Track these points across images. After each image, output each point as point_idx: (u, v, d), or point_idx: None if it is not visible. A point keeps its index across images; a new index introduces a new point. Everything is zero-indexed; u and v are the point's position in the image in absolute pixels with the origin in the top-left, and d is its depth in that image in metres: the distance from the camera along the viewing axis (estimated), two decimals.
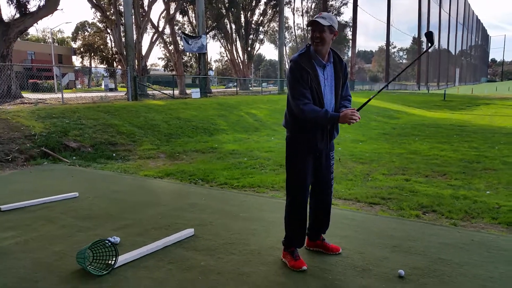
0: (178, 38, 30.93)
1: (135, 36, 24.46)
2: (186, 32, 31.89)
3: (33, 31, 66.46)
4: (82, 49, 59.74)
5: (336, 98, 2.88)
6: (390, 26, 43.27)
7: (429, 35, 2.87)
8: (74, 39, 62.40)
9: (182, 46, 19.55)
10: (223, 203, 4.62)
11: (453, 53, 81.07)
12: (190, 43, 16.82)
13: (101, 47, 56.79)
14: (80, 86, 54.99)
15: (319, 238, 3.24)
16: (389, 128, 13.11)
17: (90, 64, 60.96)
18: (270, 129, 11.66)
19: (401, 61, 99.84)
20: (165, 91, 19.01)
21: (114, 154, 7.76)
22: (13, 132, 7.49)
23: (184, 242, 3.44)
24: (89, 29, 60.80)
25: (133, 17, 24.15)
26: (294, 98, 2.76)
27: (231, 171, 6.43)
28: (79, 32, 61.31)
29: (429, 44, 2.93)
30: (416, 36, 59.36)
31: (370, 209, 4.56)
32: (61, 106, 10.55)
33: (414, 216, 4.23)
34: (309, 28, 2.87)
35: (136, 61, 23.58)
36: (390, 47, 55.78)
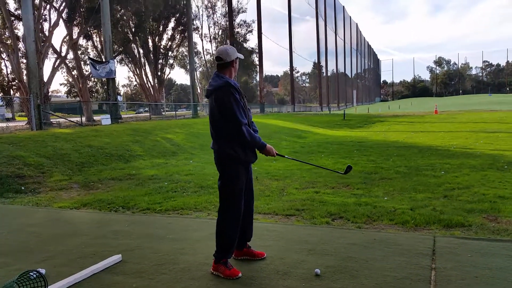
0: (82, 63, 29.74)
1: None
2: (91, 56, 30.74)
3: None
4: None
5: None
6: (293, 52, 46.06)
7: (348, 169, 3.86)
8: None
9: (88, 71, 18.89)
10: (148, 228, 4.70)
11: (350, 76, 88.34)
12: (97, 68, 16.37)
13: None
14: None
15: (246, 246, 3.54)
16: (298, 146, 13.99)
17: None
18: (187, 152, 11.79)
19: (304, 84, 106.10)
20: (71, 119, 18.12)
21: (23, 187, 7.33)
22: None
23: (113, 268, 3.49)
24: None
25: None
26: (235, 119, 3.09)
27: (153, 196, 6.48)
28: None
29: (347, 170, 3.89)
30: (316, 61, 63.73)
31: (287, 220, 4.97)
32: None
33: (324, 223, 4.72)
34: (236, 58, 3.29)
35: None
36: (294, 72, 59.06)
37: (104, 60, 17.54)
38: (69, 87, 49.12)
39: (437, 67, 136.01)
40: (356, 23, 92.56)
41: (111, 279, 3.25)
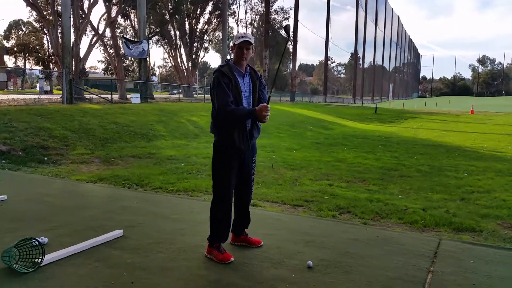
0: (119, 42, 30.33)
1: (73, 38, 23.72)
2: (128, 36, 31.31)
3: None
4: (15, 49, 56.36)
5: (253, 102, 3.25)
6: (329, 42, 45.26)
7: (287, 29, 3.36)
8: (7, 37, 58.77)
9: (123, 50, 19.27)
10: (155, 206, 4.78)
11: (388, 69, 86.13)
12: (130, 47, 16.66)
13: (37, 47, 53.94)
14: (12, 88, 51.83)
15: (243, 233, 3.55)
16: (322, 138, 13.83)
17: (25, 65, 57.70)
18: (210, 136, 11.86)
19: (339, 75, 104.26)
20: (103, 95, 18.59)
21: (45, 158, 7.60)
22: None
23: (113, 242, 3.57)
24: (24, 28, 57.62)
25: (72, 18, 23.44)
26: (219, 102, 3.08)
27: (167, 176, 6.58)
28: (13, 31, 57.86)
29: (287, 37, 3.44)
30: (353, 52, 62.43)
31: (294, 210, 4.94)
32: None
33: (331, 216, 4.66)
34: (236, 44, 3.17)
35: (73, 63, 22.85)
36: (329, 62, 58.18)
37: (138, 39, 17.81)
38: (106, 65, 50.33)
39: (480, 66, 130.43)
40: (398, 16, 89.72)
41: (109, 253, 3.33)
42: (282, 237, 3.78)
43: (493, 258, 3.39)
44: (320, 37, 46.66)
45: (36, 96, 15.49)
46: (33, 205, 4.64)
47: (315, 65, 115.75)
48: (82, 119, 10.30)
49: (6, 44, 57.63)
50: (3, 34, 59.59)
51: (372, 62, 71.35)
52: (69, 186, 5.78)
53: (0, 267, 2.97)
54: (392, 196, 5.70)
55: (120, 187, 5.83)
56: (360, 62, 64.82)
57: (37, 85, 50.73)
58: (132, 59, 41.04)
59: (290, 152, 9.65)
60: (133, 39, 19.86)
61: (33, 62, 54.82)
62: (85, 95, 19.13)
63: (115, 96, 24.72)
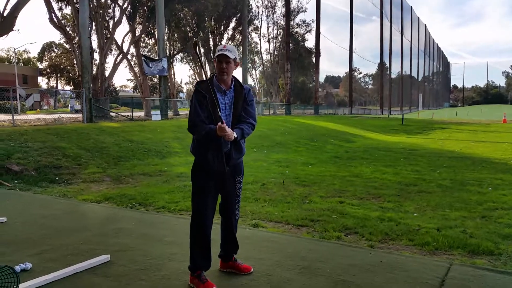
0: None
1: (97, 57, 24.38)
2: (153, 55, 31.95)
3: None
4: (48, 70, 58.69)
5: (232, 120, 3.03)
6: (353, 53, 44.78)
7: (194, 44, 3.25)
8: (40, 59, 61.32)
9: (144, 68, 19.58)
10: (152, 228, 4.62)
11: (417, 79, 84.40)
12: (150, 65, 16.91)
13: (68, 68, 56.02)
14: (47, 107, 53.79)
15: (231, 259, 3.32)
16: (342, 151, 13.45)
17: (57, 85, 59.90)
18: None
19: (366, 86, 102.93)
20: (123, 113, 18.89)
21: (57, 178, 7.63)
22: None
23: (97, 268, 3.42)
24: (55, 50, 59.97)
25: (96, 38, 24.13)
26: (188, 121, 2.98)
27: (173, 195, 6.44)
28: (46, 53, 60.34)
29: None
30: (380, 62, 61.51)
31: (297, 231, 4.67)
32: (9, 128, 10.31)
33: (335, 238, 4.36)
34: (215, 58, 3.02)
35: (98, 82, 23.42)
36: (356, 73, 57.50)
37: (158, 57, 18.07)
38: (135, 83, 51.51)
39: None
40: (425, 24, 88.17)
41: (89, 280, 3.18)
42: (275, 263, 3.53)
43: (508, 286, 3.03)
44: (344, 48, 46.23)
45: (56, 116, 15.82)
46: (29, 227, 4.58)
47: (341, 76, 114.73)
48: (97, 137, 10.38)
49: (40, 66, 60.04)
50: (37, 56, 62.14)
51: (400, 72, 70.08)
52: (72, 206, 5.71)
53: None
54: (406, 214, 5.34)
55: (123, 207, 5.72)
56: (388, 72, 63.78)
57: (69, 104, 52.40)
58: (157, 76, 41.85)
59: (305, 167, 9.37)
60: (153, 57, 20.20)
61: (65, 82, 56.87)
62: (111, 113, 19.50)
63: (141, 114, 25.12)
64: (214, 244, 3.26)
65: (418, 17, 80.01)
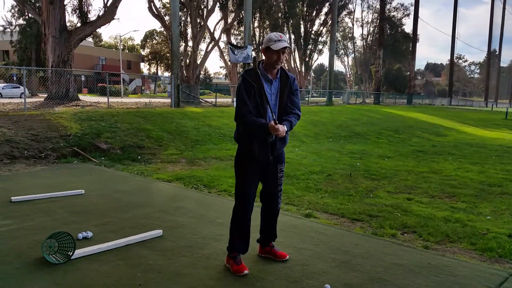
0: None
1: (190, 45, 25.63)
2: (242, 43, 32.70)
3: (106, 37, 71.48)
4: (149, 56, 63.18)
5: (279, 110, 3.03)
6: (456, 39, 41.21)
7: (254, 60, 3.07)
8: (143, 46, 66.17)
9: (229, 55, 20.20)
10: (208, 209, 4.84)
11: None
12: (236, 53, 17.35)
13: (167, 54, 59.68)
14: (148, 92, 58.15)
15: (269, 245, 3.38)
16: (428, 145, 12.59)
17: (157, 71, 64.30)
18: (298, 140, 11.71)
19: (472, 75, 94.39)
20: (208, 99, 19.69)
21: (139, 157, 8.29)
22: (51, 132, 8.27)
23: (147, 242, 3.70)
24: (156, 37, 64.21)
25: (190, 27, 25.35)
26: (236, 112, 2.97)
27: None
28: (148, 40, 64.93)
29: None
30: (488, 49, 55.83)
31: (351, 225, 4.54)
32: (103, 110, 11.40)
33: (389, 235, 4.16)
34: (271, 48, 2.90)
35: (190, 69, 24.67)
36: (460, 61, 52.98)
37: (244, 45, 18.49)
38: (226, 71, 53.36)
39: None
40: None
41: (137, 252, 3.45)
42: (315, 254, 3.49)
43: None
44: (446, 34, 42.80)
45: (147, 100, 17.04)
46: (102, 200, 5.07)
47: (444, 64, 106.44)
48: (180, 122, 11.01)
49: (142, 53, 64.88)
50: (140, 43, 67.19)
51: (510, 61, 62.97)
52: (145, 184, 6.19)
53: (32, 258, 3.27)
54: (478, 217, 4.89)
55: (188, 188, 6.05)
56: (500, 60, 57.76)
57: (168, 89, 56.09)
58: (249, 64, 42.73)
59: (380, 160, 8.97)
60: (239, 45, 20.72)
61: (164, 68, 60.81)
62: (200, 99, 20.53)
63: (229, 100, 25.97)
64: (254, 230, 3.33)
65: None
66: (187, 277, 3.02)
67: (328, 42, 49.74)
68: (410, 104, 34.02)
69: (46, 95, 15.87)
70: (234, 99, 17.97)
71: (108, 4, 15.84)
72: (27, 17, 30.94)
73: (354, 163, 8.37)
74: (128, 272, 3.07)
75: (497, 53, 59.94)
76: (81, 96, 17.11)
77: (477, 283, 3.00)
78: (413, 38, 36.86)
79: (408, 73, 43.34)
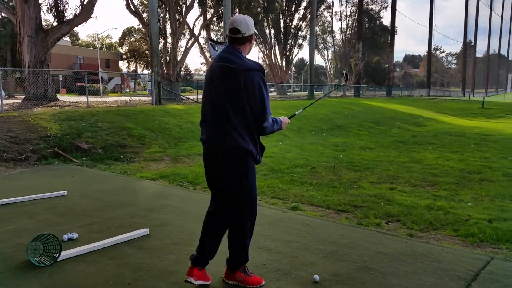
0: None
1: (170, 42, 25.37)
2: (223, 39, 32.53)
3: (84, 36, 70.14)
4: (128, 54, 62.32)
5: None
6: (433, 30, 41.88)
7: (346, 75, 3.03)
8: (121, 44, 65.21)
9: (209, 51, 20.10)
10: (195, 206, 4.82)
11: (507, 57, 77.07)
12: (216, 49, 17.28)
13: (146, 52, 58.99)
14: (127, 90, 57.36)
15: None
16: (408, 136, 12.81)
17: (136, 69, 63.52)
18: (282, 134, 11.74)
19: (449, 66, 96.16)
20: (189, 96, 19.54)
21: (121, 156, 8.19)
22: (31, 133, 8.10)
23: (134, 241, 3.67)
24: (135, 35, 63.37)
25: (169, 23, 25.08)
26: (266, 111, 2.60)
27: None
28: (126, 38, 64.01)
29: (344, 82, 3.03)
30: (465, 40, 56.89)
31: (336, 216, 4.60)
32: (83, 109, 11.21)
33: (374, 225, 4.23)
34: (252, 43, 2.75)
35: (170, 66, 24.44)
36: (437, 52, 53.82)
37: (224, 40, 18.40)
38: (207, 67, 53.01)
39: None
40: None
41: (125, 252, 3.42)
42: (302, 246, 3.53)
43: None
44: (423, 26, 43.43)
45: (128, 98, 16.83)
46: (85, 201, 5.00)
47: (422, 55, 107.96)
48: (162, 119, 10.92)
49: (121, 51, 63.93)
50: (118, 41, 66.19)
51: (487, 51, 64.46)
52: (128, 183, 6.13)
53: (25, 259, 3.21)
54: (459, 204, 5.01)
55: (173, 185, 6.02)
56: (473, 51, 58.95)
57: (147, 87, 55.44)
58: None
59: (362, 152, 9.09)
60: (219, 41, 20.63)
61: (143, 66, 60.11)
62: (181, 96, 20.36)
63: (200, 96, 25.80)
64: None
65: None
66: (175, 274, 3.01)
67: (308, 36, 50.11)
68: (390, 96, 34.48)
69: (23, 96, 15.52)
70: None
71: (85, 2, 15.54)
72: (0, 16, 30.11)
73: (337, 155, 8.46)
74: (116, 271, 3.04)
75: (472, 43, 61.25)
76: (59, 96, 16.79)
77: (460, 267, 3.08)
78: (391, 30, 37.30)
79: (387, 65, 44.05)
